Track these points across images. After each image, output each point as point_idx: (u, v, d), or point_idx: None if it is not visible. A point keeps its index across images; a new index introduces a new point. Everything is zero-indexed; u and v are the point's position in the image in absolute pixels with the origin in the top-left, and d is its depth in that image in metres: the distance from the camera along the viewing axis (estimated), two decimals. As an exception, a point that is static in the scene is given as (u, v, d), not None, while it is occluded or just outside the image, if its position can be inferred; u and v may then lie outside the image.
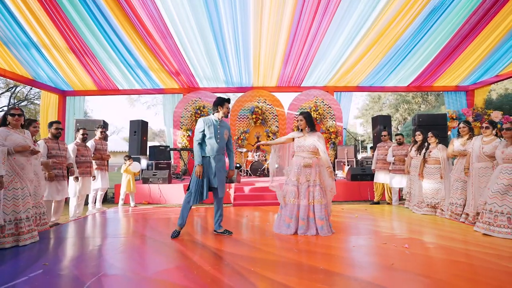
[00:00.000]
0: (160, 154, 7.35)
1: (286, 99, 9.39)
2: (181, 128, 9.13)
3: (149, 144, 8.50)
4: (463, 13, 5.50)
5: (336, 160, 8.23)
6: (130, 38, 6.26)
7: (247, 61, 7.51)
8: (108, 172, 5.64)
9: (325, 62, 7.58)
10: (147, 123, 8.19)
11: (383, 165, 5.96)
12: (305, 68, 7.95)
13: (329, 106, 9.28)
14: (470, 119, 8.67)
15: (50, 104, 8.59)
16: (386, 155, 5.87)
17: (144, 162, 6.32)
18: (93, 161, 5.15)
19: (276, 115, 9.46)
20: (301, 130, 3.69)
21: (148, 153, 7.82)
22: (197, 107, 9.13)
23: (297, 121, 3.70)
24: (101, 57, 6.91)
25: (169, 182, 6.53)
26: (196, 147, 3.46)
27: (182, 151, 8.42)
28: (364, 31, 6.02)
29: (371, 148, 10.76)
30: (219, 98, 3.57)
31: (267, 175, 8.15)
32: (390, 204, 5.94)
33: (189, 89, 9.25)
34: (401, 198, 6.08)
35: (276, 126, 9.36)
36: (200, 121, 3.50)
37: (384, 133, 6.26)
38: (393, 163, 5.70)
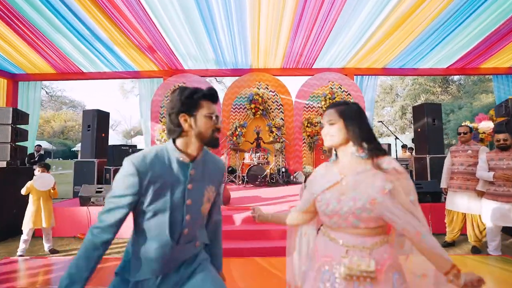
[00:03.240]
0: (122, 157, 5.53)
1: (293, 84, 8.10)
2: (161, 121, 7.49)
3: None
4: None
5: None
6: (78, 2, 4.57)
7: (243, 35, 5.96)
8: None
9: (344, 38, 6.14)
10: (107, 114, 6.39)
11: (465, 183, 3.80)
12: (318, 45, 6.46)
13: (348, 94, 7.70)
14: None
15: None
16: (470, 165, 3.78)
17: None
18: None
19: (281, 104, 7.84)
20: (335, 153, 1.30)
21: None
22: (182, 95, 7.37)
23: (322, 131, 1.31)
24: (41, 25, 5.23)
25: None
26: (85, 249, 1.12)
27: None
28: (396, 1, 4.73)
29: (403, 147, 8.88)
30: (180, 89, 1.25)
31: (271, 184, 6.36)
32: (478, 249, 3.78)
33: (171, 72, 7.62)
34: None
35: (281, 119, 7.72)
36: (128, 168, 1.15)
37: (463, 128, 3.94)
38: (492, 183, 3.55)
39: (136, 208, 1.20)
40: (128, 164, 1.14)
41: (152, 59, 6.85)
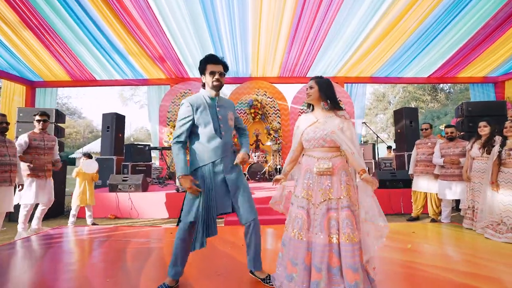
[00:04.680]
0: (138, 155, 6.12)
1: (289, 91, 8.49)
2: (168, 125, 8.00)
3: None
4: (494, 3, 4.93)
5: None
6: (100, 13, 5.08)
7: (245, 46, 6.47)
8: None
9: (334, 49, 6.62)
10: (123, 117, 6.96)
11: (425, 168, 4.58)
12: (311, 55, 6.95)
13: (339, 100, 8.03)
14: None
15: (14, 97, 7.36)
16: (430, 154, 4.55)
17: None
18: (22, 164, 3.71)
19: (278, 109, 8.37)
20: (312, 108, 2.15)
21: (124, 153, 6.54)
22: (187, 101, 7.91)
23: (307, 93, 2.11)
24: (66, 36, 5.71)
25: (144, 190, 5.16)
26: (176, 150, 2.04)
27: (164, 151, 7.18)
28: (381, 13, 5.20)
29: (388, 147, 9.54)
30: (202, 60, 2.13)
31: (269, 179, 6.96)
32: (436, 220, 4.55)
33: (177, 80, 8.12)
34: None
35: (278, 123, 8.26)
36: (185, 104, 2.07)
37: (425, 125, 4.79)
38: (442, 166, 4.36)
39: (193, 126, 2.08)
40: (185, 101, 2.09)
41: (161, 68, 7.36)
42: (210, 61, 2.07)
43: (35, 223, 4.00)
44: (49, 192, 3.93)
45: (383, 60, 7.19)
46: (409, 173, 4.92)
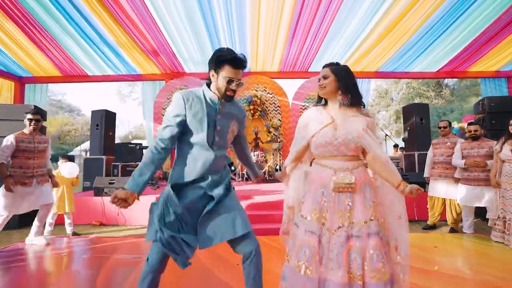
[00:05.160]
0: (128, 154, 5.79)
1: (290, 87, 8.25)
2: None
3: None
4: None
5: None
6: (88, 5, 4.79)
7: (243, 39, 6.16)
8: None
9: (338, 42, 6.33)
10: (114, 114, 6.61)
11: (444, 171, 4.13)
12: (314, 49, 6.65)
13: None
14: None
15: (2, 93, 7.04)
16: (449, 155, 4.10)
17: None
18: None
19: (278, 106, 8.05)
20: (325, 103, 1.69)
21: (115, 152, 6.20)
22: (183, 97, 7.59)
23: (319, 85, 1.64)
24: (51, 28, 5.42)
25: None
26: (149, 157, 1.54)
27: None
28: (388, 5, 4.93)
29: (395, 146, 9.17)
30: (217, 50, 1.65)
31: (269, 180, 6.62)
32: (455, 229, 4.12)
33: (173, 75, 7.82)
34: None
35: (279, 120, 7.95)
36: (178, 97, 1.60)
37: (443, 123, 4.30)
38: (465, 169, 3.92)
39: (183, 129, 1.60)
40: (177, 94, 1.61)
41: (155, 62, 7.05)
42: (232, 63, 1.57)
43: (47, 230, 3.85)
44: (43, 196, 3.48)
45: (389, 55, 6.88)
46: (424, 175, 4.46)
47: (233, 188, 1.78)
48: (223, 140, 1.69)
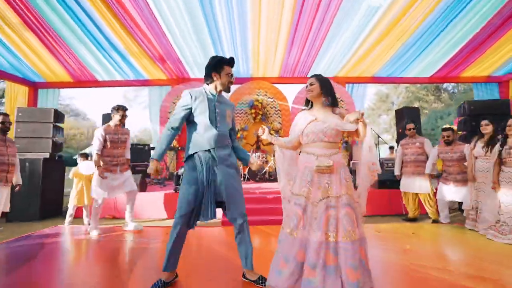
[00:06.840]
0: (137, 155, 6.12)
1: (290, 91, 8.37)
2: None
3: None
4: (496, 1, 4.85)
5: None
6: (99, 13, 5.12)
7: (245, 47, 6.47)
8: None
9: (335, 49, 6.60)
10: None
11: (416, 169, 4.54)
12: (312, 55, 6.93)
13: (341, 100, 8.11)
14: None
15: (17, 97, 7.43)
16: (419, 154, 4.54)
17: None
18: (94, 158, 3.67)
19: (278, 110, 8.35)
20: (311, 105, 2.16)
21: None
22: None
23: (307, 90, 2.12)
24: (66, 37, 5.77)
25: (143, 190, 5.14)
26: (164, 135, 2.14)
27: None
28: (382, 12, 5.16)
29: (390, 148, 9.45)
30: (213, 58, 2.28)
31: (269, 180, 6.94)
32: (437, 221, 4.48)
33: (178, 80, 8.15)
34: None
35: (279, 123, 8.25)
36: (186, 93, 2.21)
37: (410, 125, 4.72)
38: (445, 170, 4.33)
39: (191, 115, 2.19)
40: (186, 91, 2.23)
41: (161, 68, 7.39)
42: (229, 63, 2.26)
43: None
44: (126, 183, 3.94)
45: (384, 60, 7.13)
46: (395, 173, 4.87)
47: (237, 168, 2.32)
48: (222, 119, 2.24)
